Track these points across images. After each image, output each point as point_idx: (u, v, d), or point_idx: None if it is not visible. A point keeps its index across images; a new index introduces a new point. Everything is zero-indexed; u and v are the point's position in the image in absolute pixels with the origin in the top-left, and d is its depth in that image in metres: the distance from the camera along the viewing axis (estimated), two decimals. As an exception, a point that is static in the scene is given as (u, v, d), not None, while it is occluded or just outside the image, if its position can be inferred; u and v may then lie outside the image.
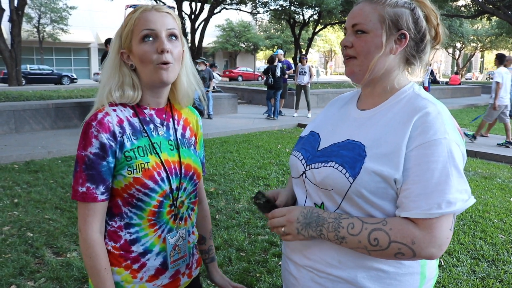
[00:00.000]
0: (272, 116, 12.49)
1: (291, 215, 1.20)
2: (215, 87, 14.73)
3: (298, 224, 1.18)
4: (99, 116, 1.24)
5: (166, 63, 1.26)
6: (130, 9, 1.30)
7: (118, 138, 1.25)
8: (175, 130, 1.40)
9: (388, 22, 1.17)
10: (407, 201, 1.08)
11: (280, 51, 13.86)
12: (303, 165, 1.28)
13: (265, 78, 12.97)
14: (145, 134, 1.31)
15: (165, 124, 1.37)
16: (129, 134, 1.27)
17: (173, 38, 1.29)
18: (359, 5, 1.22)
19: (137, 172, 1.25)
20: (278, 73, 12.27)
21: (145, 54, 1.25)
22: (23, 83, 23.30)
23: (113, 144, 1.23)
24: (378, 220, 1.11)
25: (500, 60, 9.14)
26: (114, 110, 1.28)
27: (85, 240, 1.24)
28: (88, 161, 1.22)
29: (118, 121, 1.26)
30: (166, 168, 1.31)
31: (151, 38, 1.25)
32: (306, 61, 12.99)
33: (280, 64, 12.40)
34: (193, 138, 1.49)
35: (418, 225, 1.06)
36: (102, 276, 1.25)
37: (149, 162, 1.27)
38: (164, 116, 1.38)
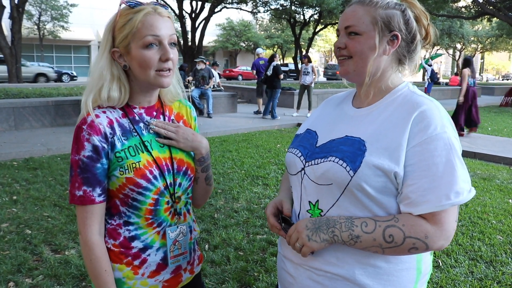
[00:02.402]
0: (265, 116, 12.47)
1: (299, 225, 1.21)
2: (215, 85, 14.71)
3: (308, 231, 1.18)
4: (89, 119, 1.23)
5: (168, 69, 1.27)
6: (125, 6, 1.25)
7: (110, 139, 1.25)
8: None
9: (380, 24, 1.20)
10: (415, 196, 1.11)
11: (259, 50, 13.71)
12: (302, 161, 1.29)
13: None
14: (135, 133, 1.31)
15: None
16: (119, 135, 1.28)
17: (174, 45, 1.29)
18: (351, 7, 1.24)
19: (128, 172, 1.26)
20: (269, 72, 12.20)
21: (149, 60, 1.24)
22: (23, 80, 23.27)
23: (105, 145, 1.24)
24: (389, 217, 1.14)
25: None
26: (104, 112, 1.28)
27: (85, 243, 1.25)
28: (82, 165, 1.22)
29: (108, 122, 1.27)
30: (159, 165, 1.31)
31: (155, 45, 1.24)
32: (308, 61, 12.90)
33: (274, 63, 12.27)
34: None
35: (428, 219, 1.11)
36: (103, 278, 1.26)
37: (140, 161, 1.28)
38: (154, 113, 1.38)
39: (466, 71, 9.77)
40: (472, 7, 26.90)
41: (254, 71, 13.66)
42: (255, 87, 15.73)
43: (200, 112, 12.75)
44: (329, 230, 1.16)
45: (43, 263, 3.46)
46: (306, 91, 12.99)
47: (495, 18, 25.56)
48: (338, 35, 1.27)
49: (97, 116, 1.25)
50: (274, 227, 1.32)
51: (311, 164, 1.24)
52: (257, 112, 13.31)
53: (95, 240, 1.26)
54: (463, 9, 28.25)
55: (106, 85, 1.26)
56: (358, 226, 1.14)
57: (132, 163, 1.26)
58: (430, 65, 19.25)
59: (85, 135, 1.22)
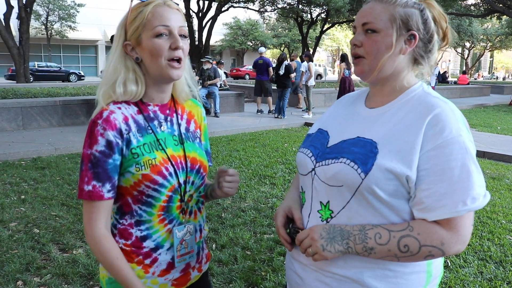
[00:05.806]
0: (277, 115, 12.42)
1: (313, 233, 1.19)
2: (222, 84, 14.70)
3: (323, 241, 1.16)
4: (105, 114, 1.23)
5: (178, 60, 1.28)
6: (136, 1, 1.28)
7: (125, 135, 1.25)
8: (179, 125, 1.40)
9: (398, 22, 1.17)
10: (430, 201, 1.08)
11: (261, 49, 13.64)
12: (312, 162, 1.27)
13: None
14: (150, 131, 1.31)
15: (168, 119, 1.38)
16: (135, 131, 1.28)
17: (184, 37, 1.30)
18: (369, 4, 1.21)
19: (145, 169, 1.26)
20: (281, 71, 12.22)
21: (159, 48, 1.25)
22: (31, 80, 23.44)
23: (119, 141, 1.24)
24: (403, 226, 1.12)
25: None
26: (119, 108, 1.28)
27: (91, 237, 1.24)
28: (94, 159, 1.22)
29: (123, 118, 1.26)
30: (173, 162, 1.32)
31: (165, 35, 1.26)
32: (308, 59, 12.90)
33: (286, 62, 12.31)
34: (198, 131, 1.49)
35: (443, 225, 1.09)
36: (116, 266, 1.25)
37: (156, 158, 1.28)
38: (167, 111, 1.39)
39: (343, 65, 12.79)
40: (481, 5, 26.71)
41: (254, 70, 13.78)
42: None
43: (207, 111, 12.75)
44: (344, 241, 1.14)
45: (51, 262, 3.47)
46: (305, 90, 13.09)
47: (504, 16, 25.37)
48: (354, 32, 1.25)
49: (112, 112, 1.25)
50: (283, 240, 1.32)
51: (322, 165, 1.23)
52: (260, 111, 13.24)
53: (102, 232, 1.24)
54: (472, 7, 28.06)
55: (120, 78, 1.27)
56: (372, 238, 1.12)
57: (148, 160, 1.27)
58: (436, 64, 19.33)
59: (99, 129, 1.21)
